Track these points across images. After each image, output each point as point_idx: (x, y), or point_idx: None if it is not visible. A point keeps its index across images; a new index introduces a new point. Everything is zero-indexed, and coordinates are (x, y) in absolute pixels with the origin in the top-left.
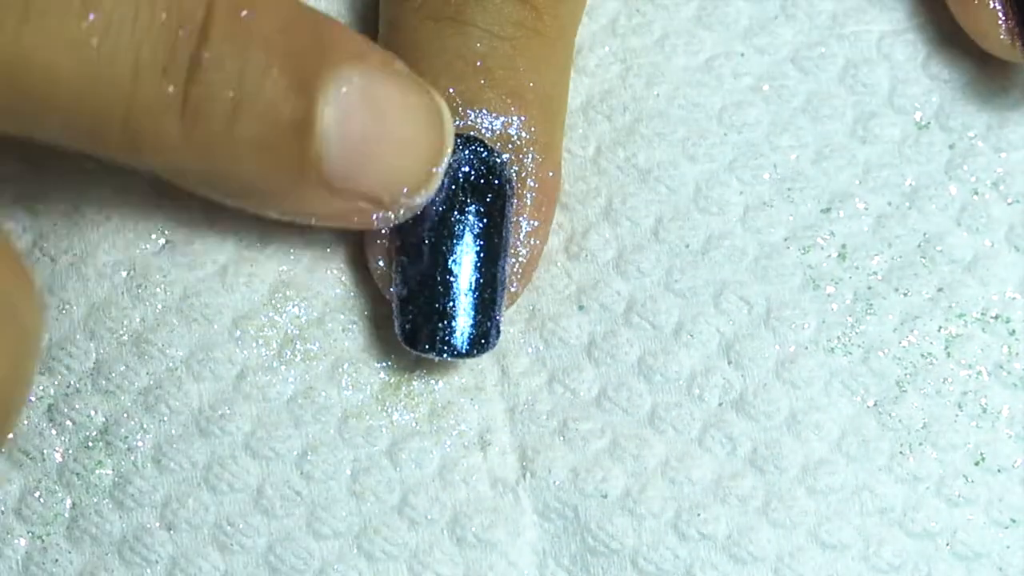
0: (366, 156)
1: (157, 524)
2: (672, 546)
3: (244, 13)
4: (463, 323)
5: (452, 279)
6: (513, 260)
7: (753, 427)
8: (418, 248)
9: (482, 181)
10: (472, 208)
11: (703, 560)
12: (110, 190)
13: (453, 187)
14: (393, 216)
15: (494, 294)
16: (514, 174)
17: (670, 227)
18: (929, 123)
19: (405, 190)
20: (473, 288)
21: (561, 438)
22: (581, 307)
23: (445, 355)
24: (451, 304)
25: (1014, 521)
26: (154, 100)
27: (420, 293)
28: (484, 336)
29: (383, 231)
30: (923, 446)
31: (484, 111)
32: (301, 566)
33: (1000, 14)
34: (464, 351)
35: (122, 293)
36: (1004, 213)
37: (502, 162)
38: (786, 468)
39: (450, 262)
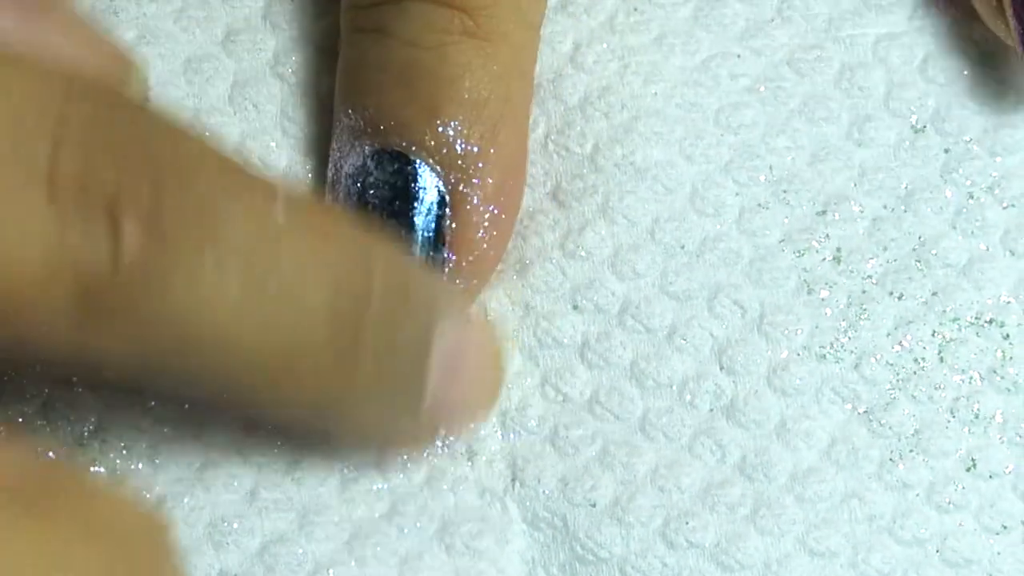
0: (450, 391)
1: None
2: (660, 554)
3: (394, 284)
4: None
5: None
6: (459, 263)
7: (743, 435)
8: None
9: (408, 196)
10: (392, 221)
11: (691, 568)
12: None
13: (377, 202)
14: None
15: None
16: (442, 182)
17: (666, 228)
18: (925, 127)
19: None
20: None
21: (551, 446)
22: (575, 307)
23: None
24: None
25: (1005, 528)
26: (319, 352)
27: None
28: None
29: None
30: (914, 453)
31: (405, 125)
32: (295, 566)
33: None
34: None
35: None
36: (999, 217)
37: (428, 177)
38: (775, 476)
39: None
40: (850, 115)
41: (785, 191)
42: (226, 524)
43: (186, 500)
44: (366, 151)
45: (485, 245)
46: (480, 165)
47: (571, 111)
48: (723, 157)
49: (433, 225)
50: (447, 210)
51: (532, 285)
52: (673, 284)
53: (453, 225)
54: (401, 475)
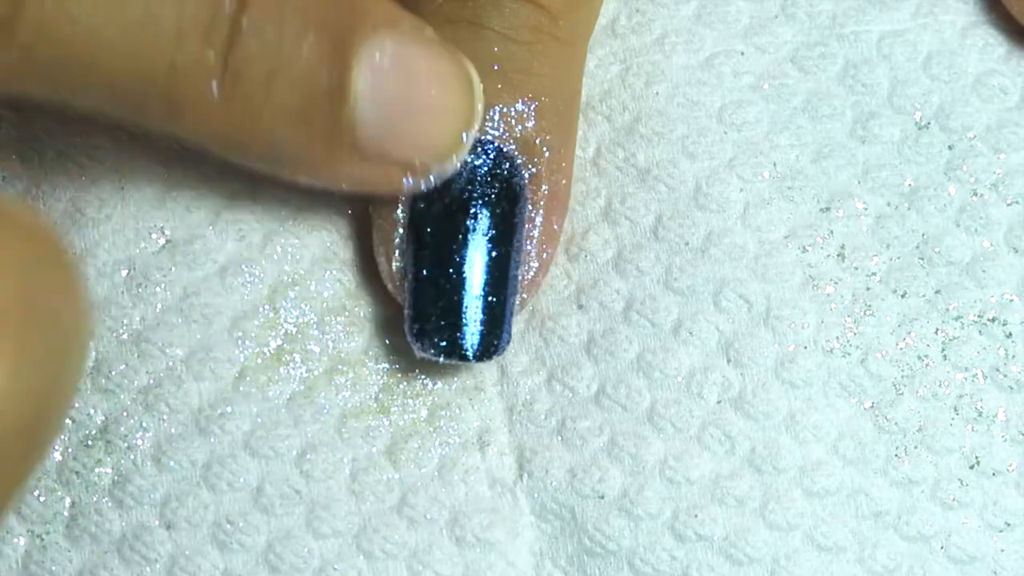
0: (398, 122)
1: (157, 523)
2: (669, 547)
3: None
4: (473, 328)
5: (464, 282)
6: (525, 267)
7: (752, 426)
8: (431, 248)
9: (497, 184)
10: (486, 211)
11: (699, 561)
12: (110, 189)
13: (468, 188)
14: (423, 183)
15: (505, 300)
16: (528, 179)
17: (669, 225)
18: (929, 123)
19: (436, 155)
20: (485, 293)
21: (559, 438)
22: (580, 306)
23: (454, 359)
24: (462, 308)
25: (1008, 525)
26: (194, 65)
27: (431, 295)
28: (493, 342)
29: (395, 230)
30: (919, 449)
31: (501, 114)
32: (301, 565)
33: None
34: (472, 356)
35: (122, 292)
36: (1003, 214)
37: (518, 166)
38: (784, 469)
39: (463, 265)
40: (854, 112)
41: (789, 188)
42: (230, 524)
43: (190, 500)
44: None
45: (546, 240)
46: (556, 162)
47: None
48: (727, 154)
49: (514, 216)
50: (527, 204)
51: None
52: (678, 280)
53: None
54: (412, 465)
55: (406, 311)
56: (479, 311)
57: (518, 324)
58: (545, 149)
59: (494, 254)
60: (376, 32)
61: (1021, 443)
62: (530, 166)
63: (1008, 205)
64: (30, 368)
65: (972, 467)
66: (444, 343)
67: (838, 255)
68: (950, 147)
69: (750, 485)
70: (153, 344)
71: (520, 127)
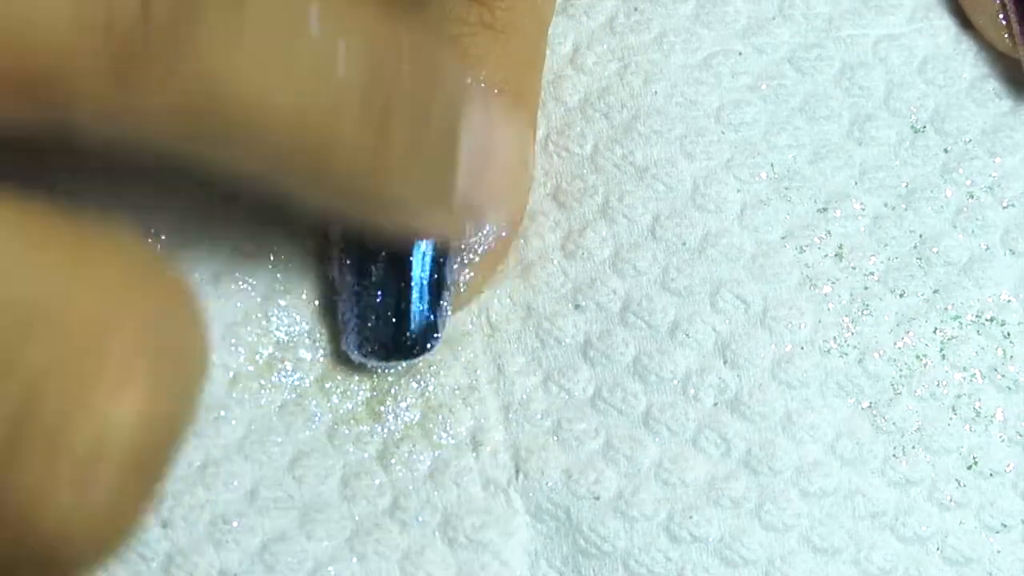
0: (480, 181)
1: (153, 520)
2: (664, 548)
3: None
4: (404, 324)
5: (410, 280)
6: (467, 258)
7: (748, 428)
8: (365, 253)
9: None
10: None
11: (695, 563)
12: (103, 194)
13: None
14: (483, 231)
15: (441, 294)
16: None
17: (667, 225)
18: (925, 127)
19: (503, 208)
20: (422, 287)
21: (555, 438)
22: (577, 306)
23: (387, 359)
24: (394, 304)
25: (1005, 526)
26: (354, 128)
27: (362, 297)
28: (425, 336)
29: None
30: (916, 449)
31: None
32: (295, 564)
33: (1002, 18)
34: (404, 352)
35: None
36: (999, 217)
37: None
38: (780, 470)
39: (405, 265)
40: (851, 114)
41: (787, 188)
42: (226, 524)
43: (186, 499)
44: None
45: (491, 239)
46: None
47: (571, 112)
48: (724, 154)
49: None
50: None
51: (534, 287)
52: (675, 281)
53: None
54: (404, 469)
55: (347, 323)
56: (416, 304)
57: (514, 322)
58: None
59: (432, 251)
60: (470, 98)
61: (1019, 443)
62: None
63: (1004, 208)
64: (164, 394)
65: (970, 467)
66: (377, 343)
67: (836, 255)
68: (946, 150)
69: (746, 486)
70: None
71: None
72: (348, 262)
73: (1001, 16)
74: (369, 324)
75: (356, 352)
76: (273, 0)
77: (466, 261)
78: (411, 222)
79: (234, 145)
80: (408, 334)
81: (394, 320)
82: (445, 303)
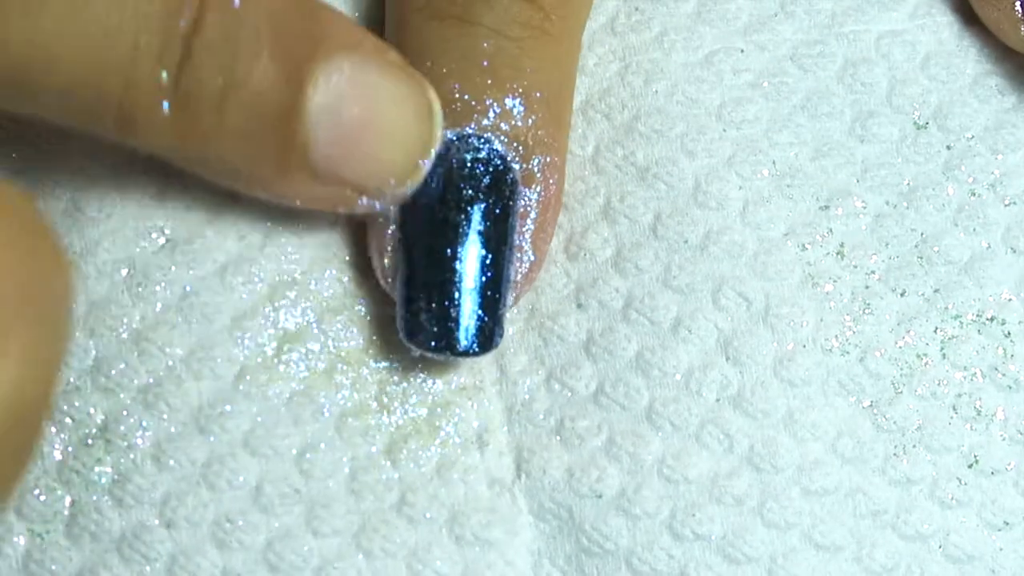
0: (353, 145)
1: (156, 521)
2: (666, 546)
3: (237, 2)
4: (467, 322)
5: (456, 277)
6: (519, 260)
7: (751, 424)
8: (423, 244)
9: (489, 178)
10: (478, 206)
11: (697, 560)
12: (110, 188)
13: (459, 184)
14: (378, 204)
15: (498, 293)
16: (520, 174)
17: (668, 223)
18: (927, 124)
19: (390, 179)
20: (478, 287)
21: (558, 437)
22: (579, 305)
23: (447, 354)
24: (455, 302)
25: (1007, 524)
26: (148, 85)
27: (423, 290)
28: (488, 335)
29: (387, 226)
30: (917, 448)
31: (491, 110)
32: (300, 563)
33: (1019, 7)
34: (467, 350)
35: (122, 291)
36: (1001, 214)
37: (509, 160)
38: (782, 467)
39: (455, 260)
40: (853, 111)
41: (789, 185)
42: (230, 523)
43: (190, 499)
44: (448, 137)
45: (539, 234)
46: (548, 158)
47: (573, 115)
48: (726, 152)
49: (506, 211)
50: (518, 199)
51: (536, 288)
52: (677, 278)
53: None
54: (411, 464)
55: (399, 307)
56: (473, 305)
57: (517, 323)
58: (537, 145)
59: (485, 249)
60: (335, 54)
61: (1020, 442)
62: (520, 161)
63: (1006, 205)
64: (34, 356)
65: (971, 466)
66: (438, 337)
67: (837, 253)
68: (948, 147)
69: (748, 484)
70: (153, 343)
71: (510, 123)
72: (402, 249)
73: (1018, 5)
74: (419, 318)
75: (409, 341)
76: None
77: (520, 254)
78: (266, 191)
79: (29, 102)
80: (465, 337)
81: (443, 318)
82: (503, 300)
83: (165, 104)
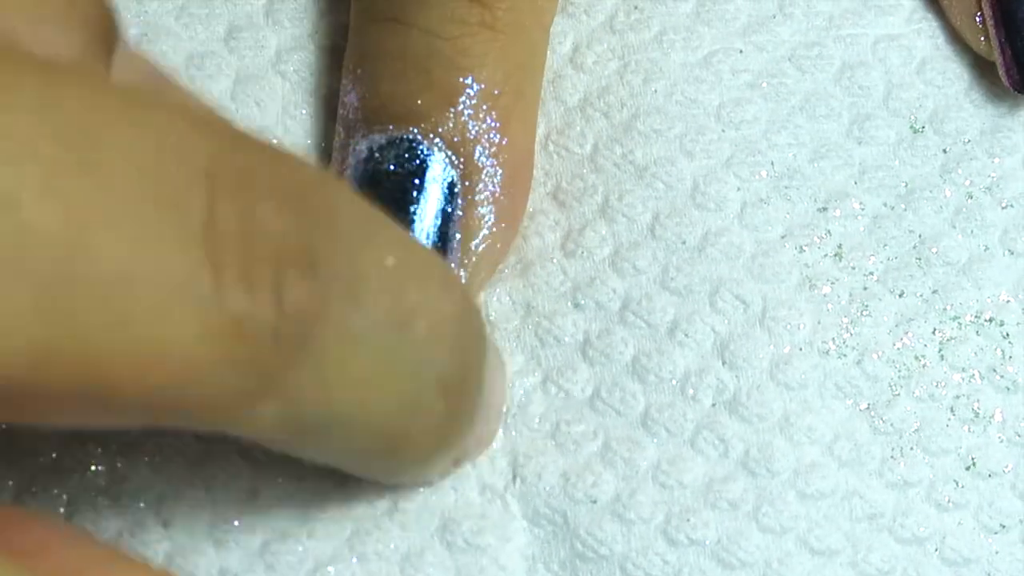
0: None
1: (153, 520)
2: (661, 551)
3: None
4: None
5: None
6: (469, 252)
7: (746, 429)
8: None
9: (409, 180)
10: (408, 207)
11: (692, 566)
12: None
13: (383, 184)
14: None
15: None
16: (454, 170)
17: (667, 224)
18: (924, 127)
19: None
20: None
21: (553, 442)
22: (576, 305)
23: None
24: None
25: (1004, 527)
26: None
27: None
28: None
29: None
30: (914, 450)
31: (421, 113)
32: (296, 564)
33: (978, 19)
34: None
35: None
36: (998, 217)
37: (442, 160)
38: (778, 471)
39: None
40: (850, 113)
41: (787, 187)
42: (227, 523)
43: (187, 499)
44: (378, 139)
45: (492, 237)
46: (492, 155)
47: (571, 112)
48: (724, 153)
49: (443, 213)
50: (458, 199)
51: (533, 285)
52: (674, 280)
53: (462, 213)
54: None
55: None
56: None
57: (513, 320)
58: (474, 143)
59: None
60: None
61: (1018, 444)
62: (459, 157)
63: (1003, 208)
64: None
65: (968, 468)
66: None
67: (835, 255)
68: (945, 151)
69: (744, 488)
70: None
71: (444, 124)
72: None
73: (977, 16)
74: None
75: None
76: (384, 296)
77: (466, 261)
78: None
79: (322, 446)
80: None
81: None
82: None
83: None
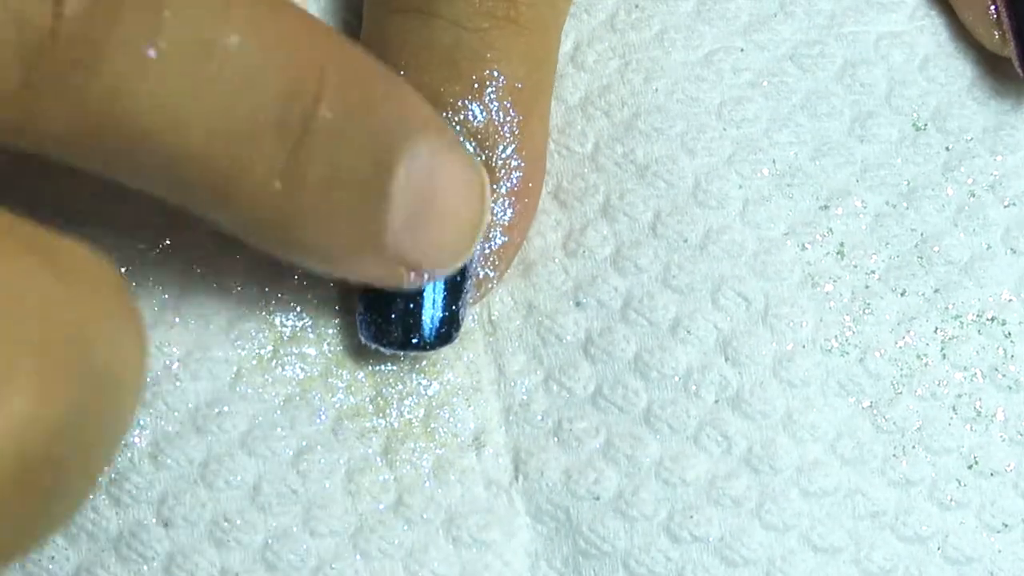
0: (420, 227)
1: (154, 520)
2: (664, 548)
3: (350, 88)
4: (427, 314)
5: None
6: (486, 247)
7: (749, 426)
8: None
9: None
10: None
11: (695, 562)
12: (108, 190)
13: None
14: (424, 280)
15: (460, 283)
16: (479, 163)
17: (668, 222)
18: (926, 125)
19: (447, 260)
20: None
21: (555, 439)
22: (578, 303)
23: (407, 349)
24: (414, 294)
25: (1006, 526)
26: (264, 162)
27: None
28: (446, 327)
29: None
30: (916, 449)
31: (446, 103)
32: (298, 563)
33: (992, 11)
34: (425, 343)
35: None
36: (1000, 215)
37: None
38: (781, 469)
39: None
40: (852, 111)
41: (789, 185)
42: (228, 522)
43: (187, 498)
44: None
45: (511, 228)
46: (512, 148)
47: (572, 111)
48: (726, 151)
49: None
50: None
51: (535, 284)
52: (676, 278)
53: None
54: (408, 466)
55: (359, 305)
56: (434, 295)
57: (515, 320)
58: (497, 135)
59: None
60: (415, 136)
61: (1020, 443)
62: (482, 152)
63: (1005, 207)
64: (57, 397)
65: (970, 467)
66: (396, 332)
67: (837, 253)
68: (947, 148)
69: (746, 485)
70: (150, 343)
71: (469, 116)
72: None
73: (992, 9)
74: (385, 315)
75: (371, 341)
76: (194, 3)
77: (488, 253)
78: (332, 268)
79: (135, 167)
80: (424, 330)
81: (411, 313)
82: (463, 297)
83: (277, 183)
